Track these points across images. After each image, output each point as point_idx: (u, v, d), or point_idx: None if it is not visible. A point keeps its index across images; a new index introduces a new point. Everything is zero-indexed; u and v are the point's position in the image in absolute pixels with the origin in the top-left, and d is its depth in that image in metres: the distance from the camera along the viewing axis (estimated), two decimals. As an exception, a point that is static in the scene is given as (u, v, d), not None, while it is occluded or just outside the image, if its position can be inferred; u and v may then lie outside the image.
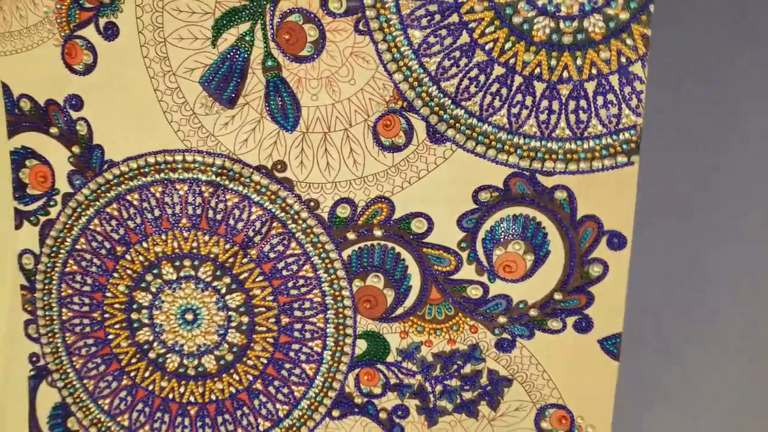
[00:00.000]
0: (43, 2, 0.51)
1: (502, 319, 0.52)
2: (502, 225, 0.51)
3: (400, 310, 0.53)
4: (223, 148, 0.52)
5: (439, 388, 0.55)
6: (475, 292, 0.52)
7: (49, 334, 0.59)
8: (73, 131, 0.54)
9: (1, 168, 0.57)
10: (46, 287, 0.58)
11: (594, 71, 0.47)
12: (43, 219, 0.57)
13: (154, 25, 0.50)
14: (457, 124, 0.50)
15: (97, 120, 0.53)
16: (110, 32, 0.51)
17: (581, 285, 0.51)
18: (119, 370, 0.59)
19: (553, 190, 0.50)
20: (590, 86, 0.48)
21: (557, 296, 0.51)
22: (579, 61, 0.47)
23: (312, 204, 0.53)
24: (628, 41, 0.46)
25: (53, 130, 0.54)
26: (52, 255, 0.58)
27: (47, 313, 0.59)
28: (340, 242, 0.53)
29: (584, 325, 0.51)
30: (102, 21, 0.51)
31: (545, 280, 0.51)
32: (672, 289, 0.49)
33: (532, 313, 0.52)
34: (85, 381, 0.59)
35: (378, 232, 0.52)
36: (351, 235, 0.53)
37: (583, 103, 0.48)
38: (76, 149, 0.54)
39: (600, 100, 0.48)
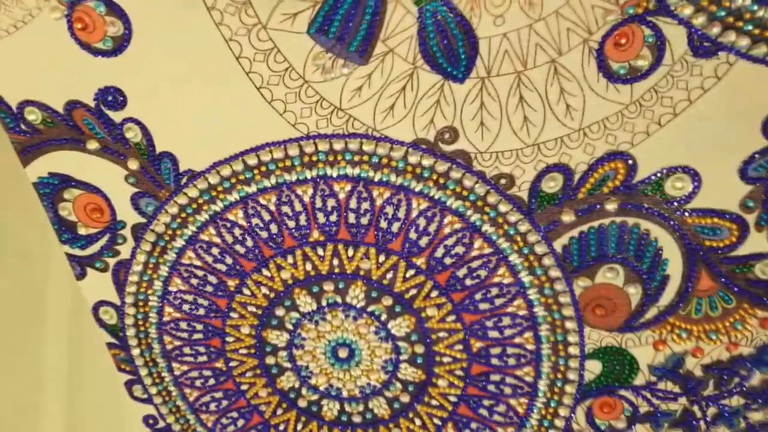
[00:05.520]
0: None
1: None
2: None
3: (652, 312, 0.37)
4: (357, 125, 0.34)
5: (713, 411, 0.39)
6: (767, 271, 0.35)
7: (163, 393, 0.45)
8: (121, 140, 0.36)
9: (28, 210, 0.40)
10: (143, 342, 0.44)
11: None
12: (113, 262, 0.41)
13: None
14: (739, 22, 0.30)
15: (153, 118, 0.35)
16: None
17: None
18: (263, 423, 0.45)
19: None
20: None
21: None
22: None
23: (503, 182, 0.35)
24: None
25: (91, 144, 0.36)
26: (140, 304, 0.42)
27: (153, 370, 0.45)
28: (551, 229, 0.36)
29: None
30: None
31: None
32: None
33: None
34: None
35: (611, 206, 0.35)
36: (566, 217, 0.35)
37: None
38: (133, 164, 0.37)
39: None
